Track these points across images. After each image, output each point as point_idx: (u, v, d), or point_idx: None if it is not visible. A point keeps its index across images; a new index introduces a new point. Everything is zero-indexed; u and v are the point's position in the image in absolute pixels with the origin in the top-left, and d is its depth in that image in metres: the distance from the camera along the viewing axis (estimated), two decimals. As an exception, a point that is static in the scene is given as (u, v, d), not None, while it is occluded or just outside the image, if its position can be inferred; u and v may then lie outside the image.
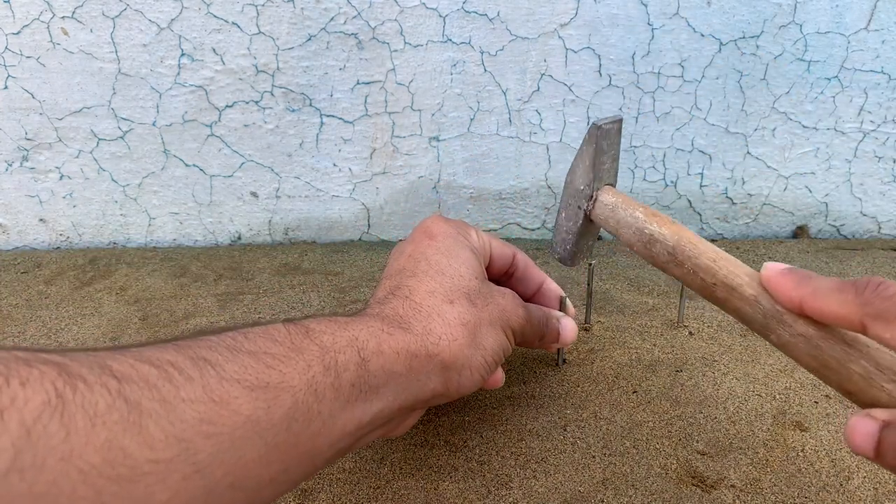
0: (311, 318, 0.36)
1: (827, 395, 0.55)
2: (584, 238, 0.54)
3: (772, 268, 0.37)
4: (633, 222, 0.47)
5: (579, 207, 0.51)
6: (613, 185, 0.52)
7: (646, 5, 0.73)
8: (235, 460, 0.28)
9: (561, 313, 0.53)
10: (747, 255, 0.79)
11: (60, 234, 0.84)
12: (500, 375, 0.49)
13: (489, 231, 0.86)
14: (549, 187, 0.82)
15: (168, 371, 0.27)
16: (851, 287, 0.32)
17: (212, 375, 0.28)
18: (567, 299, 0.55)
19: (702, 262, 0.42)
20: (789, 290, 0.35)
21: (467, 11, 0.73)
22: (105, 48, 0.73)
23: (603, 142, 0.48)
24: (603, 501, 0.45)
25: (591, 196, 0.50)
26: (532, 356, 0.60)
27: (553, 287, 0.55)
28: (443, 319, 0.40)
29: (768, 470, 0.47)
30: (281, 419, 0.30)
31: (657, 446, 0.50)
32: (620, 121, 0.50)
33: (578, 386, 0.56)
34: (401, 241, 0.50)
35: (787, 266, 0.36)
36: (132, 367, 0.27)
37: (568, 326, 0.52)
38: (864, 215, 0.85)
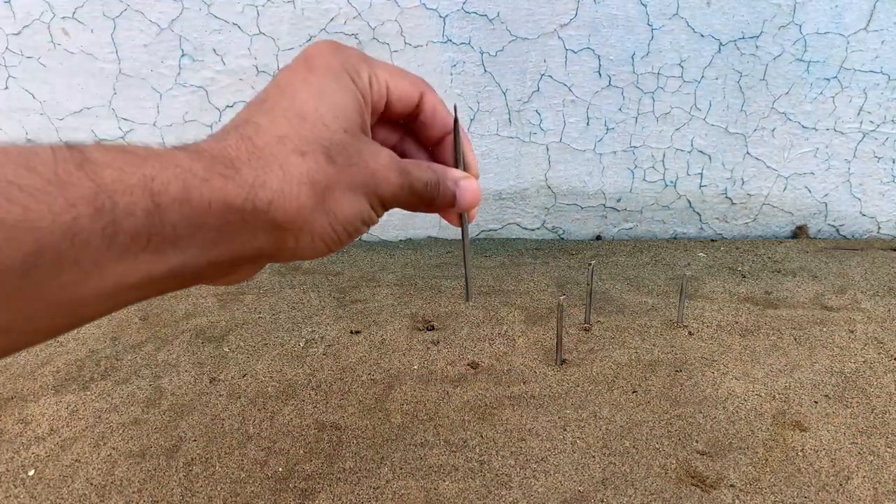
0: (98, 146, 0.30)
1: (827, 396, 0.55)
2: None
3: None
4: None
5: None
6: None
7: (645, 6, 0.73)
8: None
9: (461, 173, 0.43)
10: (747, 255, 0.79)
11: (61, 235, 0.84)
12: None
13: (489, 231, 0.86)
14: (549, 187, 0.82)
15: None
16: None
17: None
18: (468, 150, 0.44)
19: None
20: None
21: (467, 12, 0.73)
22: (106, 48, 0.73)
23: None
24: (603, 501, 0.45)
25: None
26: (532, 356, 0.60)
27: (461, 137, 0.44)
28: (284, 172, 0.34)
29: (768, 470, 0.47)
30: (15, 263, 0.26)
31: (657, 446, 0.50)
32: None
33: (578, 386, 0.56)
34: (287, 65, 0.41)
35: None
36: None
37: (467, 188, 0.42)
38: (864, 215, 0.85)
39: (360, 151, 0.37)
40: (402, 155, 0.43)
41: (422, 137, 0.44)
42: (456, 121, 0.42)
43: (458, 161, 0.43)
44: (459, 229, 0.46)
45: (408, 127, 0.44)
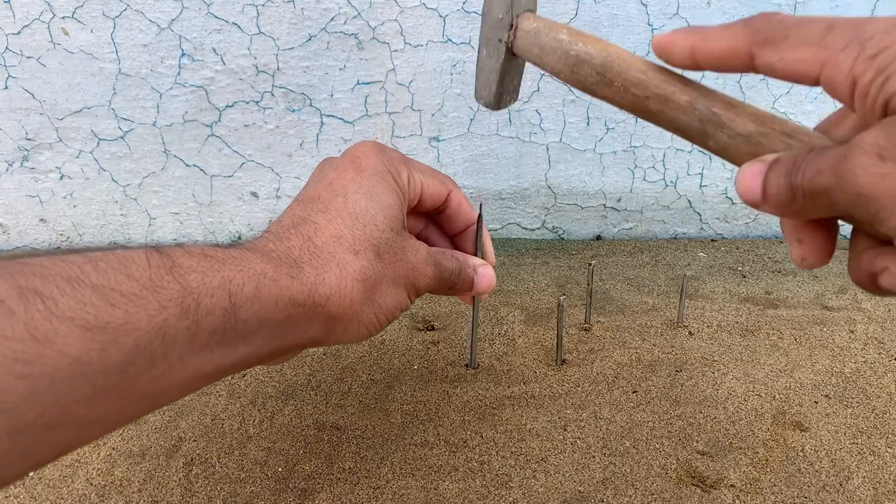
0: (182, 250, 0.32)
1: (827, 396, 0.55)
2: (508, 76, 0.49)
3: (660, 34, 0.36)
4: (557, 46, 0.43)
5: (500, 40, 0.46)
6: (533, 10, 0.48)
7: (646, 5, 0.73)
8: (54, 402, 0.26)
9: (479, 261, 0.48)
10: (747, 255, 0.79)
11: (61, 235, 0.84)
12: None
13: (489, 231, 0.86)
14: (549, 187, 0.82)
15: None
16: (740, 22, 0.32)
17: (39, 310, 0.25)
18: (487, 242, 0.50)
19: (632, 76, 0.39)
20: (680, 40, 0.34)
21: (467, 11, 0.73)
22: (105, 48, 0.73)
23: None
24: (603, 501, 0.45)
25: (512, 24, 0.46)
26: (532, 356, 0.60)
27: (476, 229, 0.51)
28: (341, 270, 0.37)
29: (768, 470, 0.47)
30: (116, 363, 0.27)
31: (657, 446, 0.50)
32: None
33: (578, 386, 0.56)
34: (329, 157, 0.46)
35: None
36: None
37: (484, 276, 0.47)
38: (864, 215, 0.85)
39: (404, 248, 0.42)
40: (426, 241, 0.48)
41: (445, 227, 0.50)
42: (480, 216, 0.49)
43: (477, 250, 0.49)
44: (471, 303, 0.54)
45: (431, 216, 0.50)
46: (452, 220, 0.49)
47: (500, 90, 0.49)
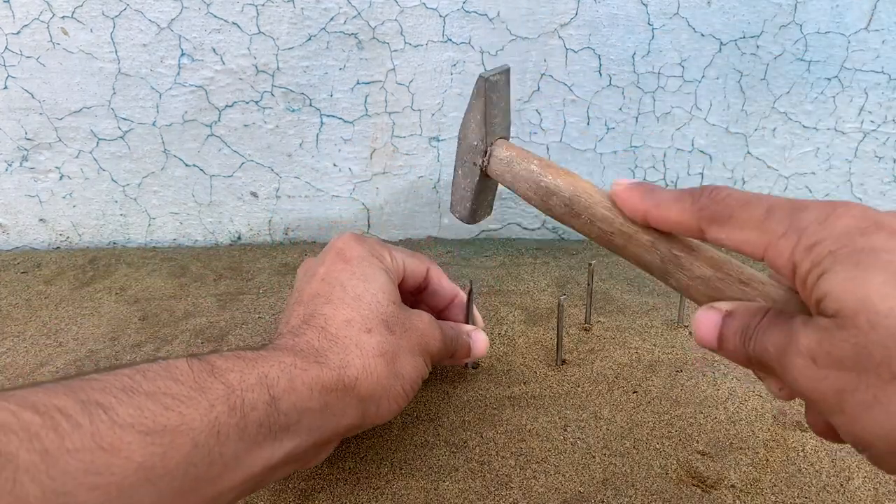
0: (216, 355, 0.34)
1: (827, 396, 0.55)
2: (482, 195, 0.53)
3: (619, 183, 0.39)
4: (528, 176, 0.45)
5: (475, 164, 0.50)
6: (507, 137, 0.51)
7: (646, 5, 0.73)
8: None
9: (471, 326, 0.52)
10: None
11: (60, 234, 0.84)
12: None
13: (489, 231, 0.86)
14: (549, 187, 0.82)
15: (55, 418, 0.26)
16: (688, 195, 0.34)
17: (103, 421, 0.27)
18: (475, 310, 0.54)
19: (598, 212, 0.42)
20: (636, 203, 0.37)
21: (467, 11, 0.73)
22: (105, 48, 0.73)
23: (492, 94, 0.47)
24: (603, 501, 0.45)
25: (486, 151, 0.49)
26: (532, 356, 0.60)
27: (464, 298, 0.54)
28: (361, 351, 0.39)
29: (768, 470, 0.47)
30: (178, 465, 0.29)
31: (657, 446, 0.50)
32: (508, 70, 0.49)
33: (578, 386, 0.56)
34: (308, 258, 0.49)
35: (633, 181, 0.38)
36: (13, 416, 0.25)
37: (479, 340, 0.51)
38: (865, 215, 0.85)
39: (409, 317, 0.44)
40: None
41: (430, 305, 0.53)
42: (470, 291, 0.53)
43: (468, 319, 0.54)
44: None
45: (415, 296, 0.52)
46: (436, 295, 0.52)
47: (475, 206, 0.53)
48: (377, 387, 0.39)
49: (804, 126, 0.79)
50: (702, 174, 0.82)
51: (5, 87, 0.75)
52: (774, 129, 0.80)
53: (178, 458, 0.29)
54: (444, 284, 0.53)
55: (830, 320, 0.26)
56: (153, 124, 0.77)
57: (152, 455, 0.28)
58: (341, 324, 0.40)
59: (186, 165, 0.79)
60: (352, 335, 0.39)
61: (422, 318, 0.45)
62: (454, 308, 0.53)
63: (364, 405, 0.39)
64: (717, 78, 0.77)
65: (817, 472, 0.47)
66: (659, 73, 0.76)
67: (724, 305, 0.33)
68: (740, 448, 0.49)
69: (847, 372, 0.25)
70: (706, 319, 0.33)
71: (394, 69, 0.75)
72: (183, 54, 0.73)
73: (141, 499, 0.27)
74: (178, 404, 0.30)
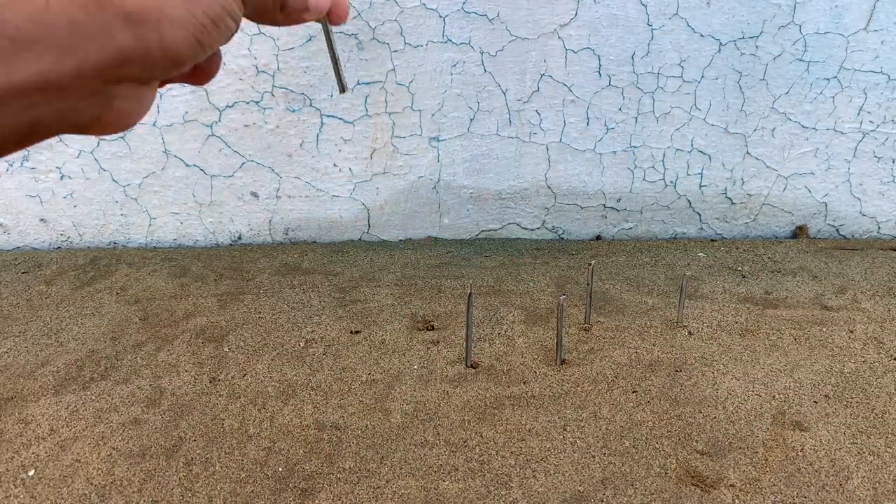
0: None
1: (826, 396, 0.55)
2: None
3: None
4: None
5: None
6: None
7: (645, 6, 0.73)
8: None
9: None
10: (747, 255, 0.79)
11: (61, 234, 0.84)
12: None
13: (489, 231, 0.86)
14: (549, 187, 0.82)
15: None
16: None
17: None
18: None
19: None
20: None
21: (467, 12, 0.73)
22: (105, 48, 0.73)
23: None
24: (603, 501, 0.45)
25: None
26: (532, 356, 0.60)
27: None
28: None
29: (768, 469, 0.47)
30: None
31: (657, 446, 0.50)
32: None
33: (578, 386, 0.56)
34: None
35: None
36: None
37: None
38: (864, 215, 0.85)
39: None
40: None
41: None
42: None
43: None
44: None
45: None
46: None
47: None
48: (150, 5, 0.31)
49: (803, 126, 0.80)
50: (701, 174, 0.82)
51: (6, 88, 0.75)
52: (774, 130, 0.80)
53: None
54: None
55: None
56: (154, 124, 0.77)
57: None
58: None
59: (187, 165, 0.80)
60: None
61: None
62: None
63: (136, 28, 0.30)
64: (717, 78, 0.77)
65: (816, 471, 0.47)
66: (658, 73, 0.76)
67: None
68: (739, 448, 0.49)
69: None
70: None
71: (394, 69, 0.75)
72: (183, 55, 0.74)
73: None
74: None
